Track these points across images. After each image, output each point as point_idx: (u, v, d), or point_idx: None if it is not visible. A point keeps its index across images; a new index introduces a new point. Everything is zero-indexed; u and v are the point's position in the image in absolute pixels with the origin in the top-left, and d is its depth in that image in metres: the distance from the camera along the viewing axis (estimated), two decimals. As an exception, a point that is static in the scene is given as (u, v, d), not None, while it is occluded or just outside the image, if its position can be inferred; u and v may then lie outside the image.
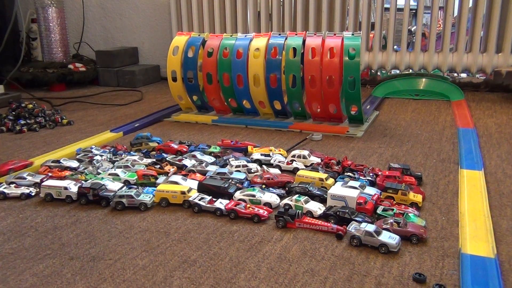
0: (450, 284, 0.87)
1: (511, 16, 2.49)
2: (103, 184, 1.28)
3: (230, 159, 1.50)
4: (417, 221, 1.08)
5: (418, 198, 1.20)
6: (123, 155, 1.58)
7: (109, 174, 1.39)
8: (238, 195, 1.24)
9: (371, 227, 1.01)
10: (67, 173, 1.43)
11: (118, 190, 1.28)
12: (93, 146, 1.68)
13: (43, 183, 1.30)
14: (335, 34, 1.90)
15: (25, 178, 1.37)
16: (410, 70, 2.75)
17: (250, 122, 2.04)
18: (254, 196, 1.22)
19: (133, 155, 1.55)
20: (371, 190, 1.24)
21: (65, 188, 1.27)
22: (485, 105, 2.35)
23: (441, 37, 2.67)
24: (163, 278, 0.91)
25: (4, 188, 1.32)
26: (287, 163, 1.49)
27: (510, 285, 0.87)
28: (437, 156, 1.58)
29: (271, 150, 1.59)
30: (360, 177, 1.34)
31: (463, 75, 2.73)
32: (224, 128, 2.02)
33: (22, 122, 2.05)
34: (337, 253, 0.99)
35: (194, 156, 1.55)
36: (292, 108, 2.01)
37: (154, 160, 1.54)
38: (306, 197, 1.20)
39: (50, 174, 1.43)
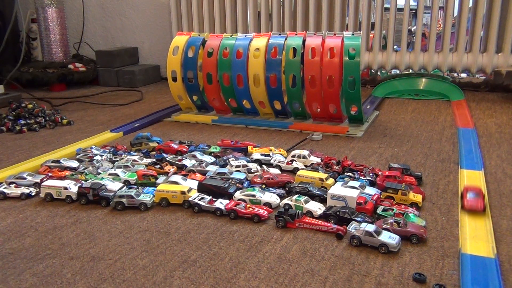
0: (450, 284, 0.87)
1: (511, 16, 2.49)
2: (103, 184, 1.28)
3: (230, 159, 1.50)
4: (417, 221, 1.08)
5: (418, 198, 1.20)
6: (123, 155, 1.58)
7: (109, 174, 1.39)
8: (238, 195, 1.24)
9: (371, 227, 1.01)
10: (67, 173, 1.43)
11: (118, 190, 1.28)
12: (93, 146, 1.68)
13: (43, 183, 1.30)
14: (335, 34, 1.90)
15: (25, 178, 1.37)
16: (410, 70, 2.75)
17: (250, 122, 2.04)
18: (254, 196, 1.22)
19: (133, 155, 1.55)
20: (371, 190, 1.24)
21: (65, 188, 1.27)
22: (485, 105, 2.35)
23: (441, 37, 2.67)
24: (163, 278, 0.91)
25: (4, 188, 1.32)
26: (287, 163, 1.49)
27: (510, 285, 0.87)
28: (437, 156, 1.58)
29: (271, 150, 1.59)
30: (360, 177, 1.34)
31: (463, 75, 2.73)
32: (224, 128, 2.02)
33: (22, 122, 2.05)
34: (337, 253, 0.99)
35: (194, 156, 1.55)
36: (292, 108, 2.01)
37: (154, 160, 1.54)
38: (306, 197, 1.20)
39: (50, 174, 1.43)
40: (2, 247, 1.04)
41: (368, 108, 2.25)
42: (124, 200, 1.22)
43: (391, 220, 1.05)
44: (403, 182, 1.29)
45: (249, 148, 1.65)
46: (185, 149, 1.64)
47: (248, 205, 1.17)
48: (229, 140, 1.70)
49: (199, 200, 1.21)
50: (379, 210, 1.14)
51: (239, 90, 2.01)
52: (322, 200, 1.23)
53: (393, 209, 1.14)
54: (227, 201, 1.20)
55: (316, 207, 1.16)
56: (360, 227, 1.02)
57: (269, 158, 1.53)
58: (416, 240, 1.02)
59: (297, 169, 1.44)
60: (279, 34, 2.00)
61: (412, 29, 3.13)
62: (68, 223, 1.15)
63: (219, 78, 2.04)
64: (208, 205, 1.19)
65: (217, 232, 1.09)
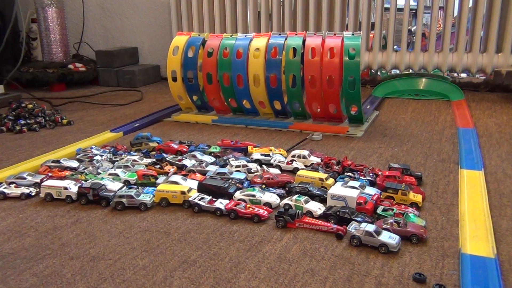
0: (450, 284, 0.87)
1: (511, 16, 2.49)
2: (103, 184, 1.28)
3: (230, 159, 1.50)
4: (417, 221, 1.08)
5: (418, 198, 1.20)
6: (123, 155, 1.58)
7: (109, 174, 1.39)
8: (238, 195, 1.24)
9: (371, 227, 1.01)
10: (67, 173, 1.43)
11: (118, 190, 1.28)
12: (93, 146, 1.68)
13: (43, 183, 1.30)
14: (335, 34, 1.90)
15: (25, 178, 1.37)
16: (410, 70, 2.75)
17: (250, 122, 2.04)
18: (254, 196, 1.22)
19: (133, 155, 1.55)
20: (371, 190, 1.24)
21: (65, 188, 1.27)
22: (485, 105, 2.35)
23: (441, 37, 2.67)
24: (163, 278, 0.91)
25: (4, 188, 1.32)
26: (287, 163, 1.49)
27: (510, 285, 0.87)
28: (437, 156, 1.58)
29: (271, 150, 1.59)
30: (360, 177, 1.34)
31: (463, 75, 2.73)
32: (224, 128, 2.02)
33: (22, 122, 2.05)
34: (337, 253, 0.99)
35: (194, 156, 1.55)
36: (292, 108, 2.01)
37: (154, 160, 1.54)
38: (306, 197, 1.20)
39: (50, 174, 1.43)
40: (2, 247, 1.04)
41: (368, 108, 2.25)
42: (124, 200, 1.22)
43: (391, 220, 1.05)
44: (403, 182, 1.29)
45: (249, 148, 1.65)
46: (185, 149, 1.64)
47: (248, 205, 1.17)
48: (229, 140, 1.70)
49: (199, 200, 1.20)
50: (379, 210, 1.14)
51: (239, 90, 2.01)
52: (322, 200, 1.23)
53: (393, 209, 1.14)
54: (227, 201, 1.20)
55: (316, 207, 1.16)
56: (360, 227, 1.02)
57: (269, 158, 1.53)
58: (416, 240, 1.01)
59: (297, 169, 1.44)
60: (279, 34, 2.00)
61: (412, 29, 3.13)
62: (68, 223, 1.15)
63: (219, 78, 2.04)
64: (208, 205, 1.19)
65: (217, 232, 1.09)
